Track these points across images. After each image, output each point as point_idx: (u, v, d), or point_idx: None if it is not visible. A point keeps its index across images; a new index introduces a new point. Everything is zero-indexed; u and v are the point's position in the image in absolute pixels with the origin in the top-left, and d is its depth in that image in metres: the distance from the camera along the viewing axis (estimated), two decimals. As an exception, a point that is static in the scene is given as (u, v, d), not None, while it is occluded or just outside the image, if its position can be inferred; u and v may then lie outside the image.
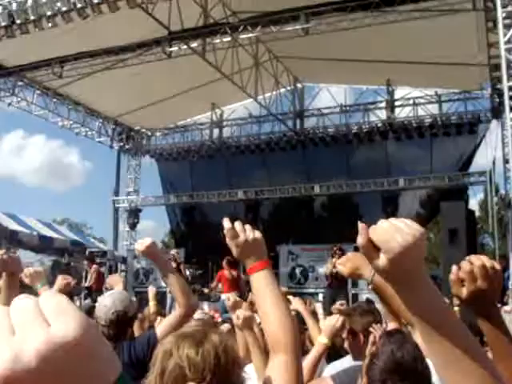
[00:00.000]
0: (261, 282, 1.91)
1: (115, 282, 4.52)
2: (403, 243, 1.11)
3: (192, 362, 1.68)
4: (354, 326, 3.68)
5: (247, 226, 1.98)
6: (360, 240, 1.18)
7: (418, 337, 1.97)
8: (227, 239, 1.95)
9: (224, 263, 14.04)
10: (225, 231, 1.95)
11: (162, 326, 3.41)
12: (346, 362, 3.55)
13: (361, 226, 1.18)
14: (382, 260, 1.14)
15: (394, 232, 1.13)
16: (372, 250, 1.16)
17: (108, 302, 3.44)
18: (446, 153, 19.38)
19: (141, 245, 3.39)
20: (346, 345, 3.74)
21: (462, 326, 1.17)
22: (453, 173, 18.96)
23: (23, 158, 75.53)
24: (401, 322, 4.51)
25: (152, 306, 6.25)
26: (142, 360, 3.13)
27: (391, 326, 4.33)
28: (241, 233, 1.95)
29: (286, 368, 1.80)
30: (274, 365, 1.83)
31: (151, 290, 6.43)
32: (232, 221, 1.96)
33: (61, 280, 4.24)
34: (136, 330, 4.48)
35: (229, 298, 4.43)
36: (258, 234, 1.98)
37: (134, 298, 4.02)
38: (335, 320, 3.77)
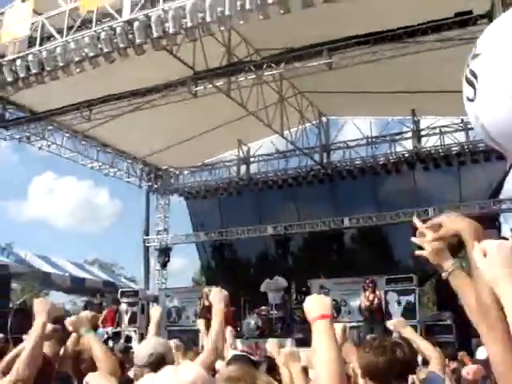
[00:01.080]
0: (320, 329, 1.99)
1: (154, 314, 4.64)
2: (499, 244, 1.52)
3: None
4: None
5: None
6: (475, 250, 1.53)
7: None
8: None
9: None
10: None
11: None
12: None
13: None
14: (486, 259, 1.46)
15: (494, 242, 1.51)
16: (481, 256, 1.49)
17: (148, 344, 3.52)
18: (475, 180, 19.22)
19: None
20: None
21: None
22: (483, 200, 18.77)
23: (54, 200, 76.43)
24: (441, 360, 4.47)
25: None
26: None
27: (433, 363, 4.27)
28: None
29: None
30: None
31: (176, 346, 6.38)
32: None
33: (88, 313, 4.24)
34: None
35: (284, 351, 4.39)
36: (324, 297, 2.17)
37: (172, 345, 4.10)
38: None
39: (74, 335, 4.11)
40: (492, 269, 1.37)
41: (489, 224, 17.68)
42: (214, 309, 3.80)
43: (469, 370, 4.07)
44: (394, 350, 3.65)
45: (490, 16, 12.05)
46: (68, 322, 3.77)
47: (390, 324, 4.52)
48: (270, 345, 4.46)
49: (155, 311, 4.97)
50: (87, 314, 4.13)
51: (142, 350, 3.47)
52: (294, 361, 3.99)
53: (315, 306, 1.99)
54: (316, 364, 1.95)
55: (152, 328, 4.64)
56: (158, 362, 3.36)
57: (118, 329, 16.62)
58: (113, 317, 16.90)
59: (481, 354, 7.25)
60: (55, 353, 3.98)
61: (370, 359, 3.37)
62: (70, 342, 4.29)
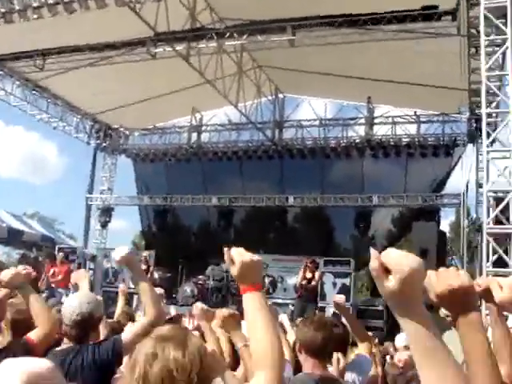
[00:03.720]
0: (252, 302, 1.96)
1: (80, 278, 4.42)
2: (412, 265, 1.32)
3: (179, 363, 1.68)
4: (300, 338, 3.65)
5: (242, 251, 2.04)
6: (372, 263, 1.36)
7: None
8: (227, 259, 2.03)
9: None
10: (225, 252, 2.04)
11: (128, 332, 3.39)
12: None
13: (373, 251, 1.38)
14: (392, 281, 1.32)
15: (404, 257, 1.34)
16: (382, 272, 1.34)
17: (74, 303, 3.42)
18: (421, 173, 19.58)
19: (117, 254, 3.41)
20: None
21: (450, 355, 1.33)
22: (426, 193, 19.17)
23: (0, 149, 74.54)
24: (371, 344, 4.56)
25: (120, 306, 6.19)
26: (105, 364, 3.13)
27: (362, 346, 4.35)
28: (244, 254, 2.00)
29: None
30: (259, 381, 1.84)
31: (122, 290, 6.37)
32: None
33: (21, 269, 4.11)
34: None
35: (197, 306, 4.40)
36: (258, 258, 2.04)
37: (101, 298, 3.94)
38: None
39: (6, 290, 4.00)
40: (397, 296, 1.34)
41: (429, 217, 18.09)
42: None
43: (400, 358, 4.16)
44: (332, 327, 3.74)
45: (454, 13, 12.24)
46: (3, 275, 3.65)
47: (335, 298, 4.60)
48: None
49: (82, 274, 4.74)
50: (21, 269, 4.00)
51: (68, 309, 3.40)
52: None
53: (246, 275, 1.97)
54: (252, 337, 1.95)
55: (85, 285, 4.45)
56: (84, 321, 3.32)
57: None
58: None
59: (399, 340, 7.44)
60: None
61: (310, 334, 3.42)
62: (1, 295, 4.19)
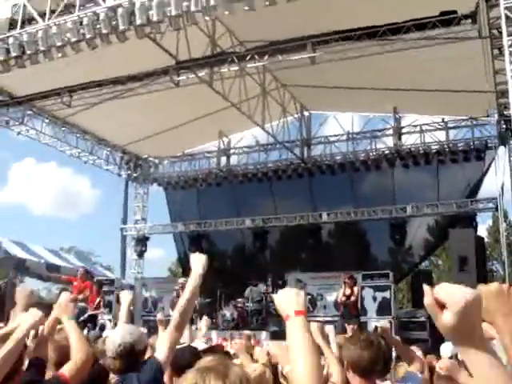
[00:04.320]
0: (295, 326, 1.96)
1: (124, 297, 4.42)
2: (466, 298, 1.31)
3: None
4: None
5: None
6: (427, 299, 1.36)
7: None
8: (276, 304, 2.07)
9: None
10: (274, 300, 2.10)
11: (160, 350, 3.37)
12: None
13: (426, 288, 1.37)
14: (447, 315, 1.31)
15: (457, 289, 1.33)
16: (437, 307, 1.34)
17: (116, 335, 3.45)
18: (453, 179, 19.37)
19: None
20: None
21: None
22: (460, 199, 18.92)
23: (33, 186, 75.80)
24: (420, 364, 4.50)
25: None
26: None
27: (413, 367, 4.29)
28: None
29: None
30: None
31: (160, 320, 6.38)
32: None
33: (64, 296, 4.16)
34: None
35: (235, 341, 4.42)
36: (298, 291, 2.07)
37: (144, 330, 3.93)
38: None
39: (50, 320, 4.04)
40: (455, 330, 1.32)
41: (465, 223, 17.85)
42: (192, 272, 3.68)
43: (441, 365, 4.07)
44: (379, 345, 3.69)
45: (474, 16, 12.14)
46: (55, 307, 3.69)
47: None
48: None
49: (125, 296, 4.68)
50: (67, 297, 4.03)
51: (111, 341, 3.42)
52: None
53: (288, 302, 1.97)
54: (293, 361, 1.94)
55: (123, 314, 4.44)
56: (126, 353, 3.33)
57: (96, 312, 16.38)
58: (95, 296, 16.44)
59: (444, 350, 7.30)
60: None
61: (357, 353, 3.39)
62: (46, 327, 4.23)
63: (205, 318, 7.76)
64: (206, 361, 1.85)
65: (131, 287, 20.30)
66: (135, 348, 3.37)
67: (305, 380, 1.85)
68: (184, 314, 3.39)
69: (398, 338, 4.90)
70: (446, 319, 1.31)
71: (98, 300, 15.94)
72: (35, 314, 3.26)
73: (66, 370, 3.39)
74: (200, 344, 5.13)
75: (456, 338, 1.32)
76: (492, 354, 1.32)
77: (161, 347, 3.36)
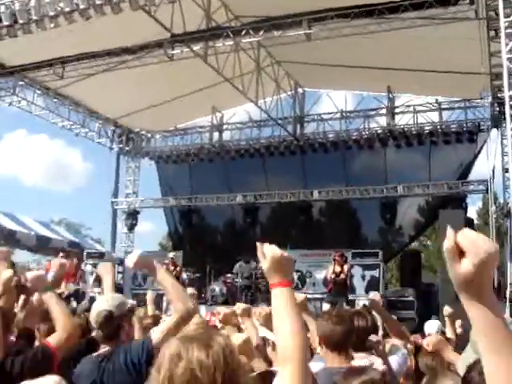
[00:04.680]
0: (280, 298, 1.96)
1: (105, 272, 4.35)
2: (489, 249, 1.24)
3: (203, 364, 1.69)
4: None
5: (274, 247, 2.04)
6: (447, 243, 1.27)
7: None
8: (259, 254, 2.03)
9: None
10: (258, 247, 2.04)
11: (157, 331, 3.36)
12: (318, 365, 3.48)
13: (449, 230, 1.29)
14: (466, 264, 1.24)
15: (481, 240, 1.25)
16: (456, 253, 1.26)
17: (95, 306, 3.47)
18: (445, 161, 19.41)
19: (130, 261, 3.42)
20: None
21: None
22: (452, 181, 18.98)
23: (25, 158, 75.38)
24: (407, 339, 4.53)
25: (149, 310, 6.21)
26: (136, 365, 3.12)
27: (395, 341, 4.31)
28: (275, 250, 2.01)
29: (294, 378, 1.82)
30: (284, 376, 1.85)
31: (150, 294, 6.39)
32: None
33: (57, 263, 4.11)
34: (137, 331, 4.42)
35: (218, 311, 4.42)
36: (290, 255, 2.05)
37: (123, 297, 3.85)
38: None
39: (37, 296, 4.04)
40: (471, 281, 1.26)
41: (456, 204, 17.93)
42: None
43: (428, 342, 4.11)
44: (352, 319, 3.72)
45: (471, -3, 12.08)
46: (29, 278, 3.67)
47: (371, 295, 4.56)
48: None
49: (106, 268, 4.39)
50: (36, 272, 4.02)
51: (92, 312, 3.43)
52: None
53: (276, 270, 1.97)
54: (277, 333, 1.96)
55: (108, 286, 4.31)
56: (105, 320, 3.33)
57: (80, 286, 16.46)
58: (74, 272, 16.63)
59: (428, 328, 7.36)
60: (11, 305, 3.92)
61: (328, 328, 3.41)
62: (35, 299, 4.23)
63: (189, 289, 7.72)
64: (190, 330, 1.85)
65: (121, 261, 20.33)
66: (113, 315, 3.35)
67: (288, 347, 1.86)
68: (173, 298, 3.37)
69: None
70: (464, 268, 1.25)
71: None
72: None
73: (52, 340, 3.40)
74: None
75: (468, 288, 1.26)
76: (500, 311, 1.28)
77: (157, 330, 3.36)
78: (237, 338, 3.62)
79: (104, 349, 3.36)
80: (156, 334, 3.29)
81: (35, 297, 4.16)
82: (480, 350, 1.29)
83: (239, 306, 4.44)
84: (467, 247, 1.25)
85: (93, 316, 3.39)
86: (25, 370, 3.10)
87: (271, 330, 3.72)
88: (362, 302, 13.54)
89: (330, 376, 3.10)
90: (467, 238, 1.26)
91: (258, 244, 2.06)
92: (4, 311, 3.52)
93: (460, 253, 1.26)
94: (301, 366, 1.85)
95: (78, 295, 14.85)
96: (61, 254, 15.55)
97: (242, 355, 3.49)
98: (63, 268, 4.14)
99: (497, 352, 1.24)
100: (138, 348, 3.21)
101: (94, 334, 3.70)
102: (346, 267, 14.53)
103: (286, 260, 2.01)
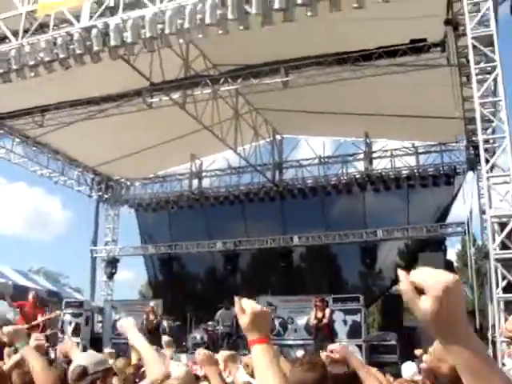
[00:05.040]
0: (262, 355, 1.95)
1: (70, 349, 4.29)
2: (446, 281, 1.19)
3: None
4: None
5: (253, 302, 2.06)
6: (403, 285, 1.24)
7: None
8: (238, 309, 2.03)
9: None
10: (236, 302, 2.05)
11: None
12: None
13: (401, 272, 1.25)
14: (427, 301, 1.20)
15: (436, 274, 1.22)
16: (415, 294, 1.22)
17: (75, 358, 3.46)
18: (423, 204, 19.59)
19: (121, 324, 3.48)
20: None
21: (504, 377, 1.22)
22: (430, 224, 19.13)
23: (3, 206, 74.76)
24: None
25: (133, 358, 6.11)
26: None
27: None
28: (253, 305, 2.02)
29: None
30: None
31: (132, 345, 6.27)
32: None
33: (34, 340, 4.07)
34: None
35: (199, 352, 4.36)
36: (267, 310, 2.07)
37: (100, 355, 3.77)
38: None
39: (8, 349, 3.98)
40: (435, 315, 1.21)
41: (435, 247, 18.04)
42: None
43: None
44: (324, 366, 3.67)
45: (443, 45, 12.42)
46: (5, 332, 3.63)
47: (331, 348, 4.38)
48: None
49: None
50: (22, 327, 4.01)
51: (72, 365, 3.42)
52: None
53: (255, 325, 1.98)
54: None
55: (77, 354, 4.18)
56: (78, 377, 3.31)
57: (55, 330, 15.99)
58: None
59: (405, 370, 7.37)
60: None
61: (299, 375, 3.37)
62: (6, 356, 4.17)
63: (165, 337, 7.58)
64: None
65: (100, 310, 20.08)
66: (87, 371, 3.33)
67: None
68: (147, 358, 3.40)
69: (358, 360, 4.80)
70: (425, 305, 1.20)
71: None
72: None
73: None
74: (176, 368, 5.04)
75: (438, 327, 1.21)
76: (480, 346, 1.22)
77: None
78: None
79: None
80: None
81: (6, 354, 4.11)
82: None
83: (200, 353, 4.35)
84: (424, 284, 1.21)
85: (70, 369, 3.37)
86: None
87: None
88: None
89: None
90: (421, 274, 1.23)
91: (236, 299, 2.07)
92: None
93: (419, 292, 1.22)
94: None
95: (56, 339, 14.55)
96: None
97: None
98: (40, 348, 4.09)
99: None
100: None
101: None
102: (327, 312, 14.46)
103: (264, 315, 2.02)
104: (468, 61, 10.79)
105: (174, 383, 3.44)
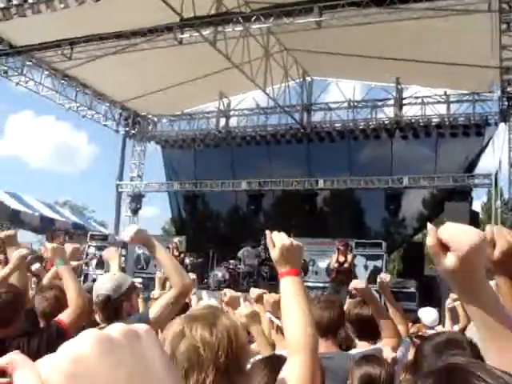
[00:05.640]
0: (290, 287, 1.97)
1: (111, 257, 4.36)
2: (472, 241, 1.23)
3: (207, 342, 1.69)
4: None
5: (284, 235, 2.05)
6: (430, 240, 1.26)
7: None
8: (269, 242, 2.03)
9: None
10: (267, 235, 2.04)
11: (155, 305, 3.36)
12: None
13: (430, 226, 1.29)
14: (451, 258, 1.24)
15: (463, 232, 1.25)
16: (440, 249, 1.25)
17: (95, 286, 3.47)
18: (451, 153, 19.33)
19: (127, 234, 3.39)
20: None
21: None
22: (458, 174, 18.92)
23: (31, 139, 75.51)
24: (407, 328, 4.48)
25: (156, 293, 6.16)
26: None
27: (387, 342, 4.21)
28: (284, 238, 2.02)
29: (305, 367, 1.83)
30: (294, 364, 1.84)
31: (159, 278, 6.32)
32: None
33: (71, 247, 4.30)
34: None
35: (225, 293, 4.39)
36: (299, 244, 2.06)
37: (124, 278, 3.77)
38: None
39: (54, 270, 4.04)
40: (457, 274, 1.26)
41: (461, 198, 17.88)
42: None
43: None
44: (341, 306, 3.70)
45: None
46: (46, 249, 3.68)
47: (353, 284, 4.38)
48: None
49: (112, 253, 4.42)
50: (69, 246, 4.07)
51: (93, 292, 3.43)
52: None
53: (285, 259, 1.96)
54: (287, 322, 1.95)
55: (114, 270, 4.29)
56: (103, 303, 3.33)
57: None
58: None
59: (426, 316, 7.37)
60: (24, 284, 3.94)
61: (316, 313, 3.40)
62: (48, 276, 4.24)
63: (192, 275, 7.65)
64: (196, 309, 1.85)
65: (124, 244, 20.37)
66: (111, 298, 3.35)
67: (298, 336, 1.86)
68: (170, 273, 3.36)
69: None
70: (449, 262, 1.24)
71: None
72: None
73: (64, 317, 3.40)
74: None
75: (458, 282, 1.27)
76: (495, 298, 1.28)
77: (155, 305, 3.36)
78: (240, 314, 3.63)
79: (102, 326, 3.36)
80: (154, 308, 3.29)
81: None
82: (480, 340, 1.31)
83: (253, 292, 4.40)
84: (450, 242, 1.24)
85: (94, 297, 3.39)
86: (41, 350, 3.10)
87: (277, 317, 3.72)
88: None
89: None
90: (449, 232, 1.26)
91: (267, 232, 2.05)
92: (18, 291, 3.54)
93: (445, 248, 1.25)
94: (311, 355, 1.85)
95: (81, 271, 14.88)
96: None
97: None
98: (76, 252, 4.19)
99: (497, 345, 1.24)
100: (134, 323, 3.20)
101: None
102: (349, 257, 14.52)
103: (295, 249, 2.00)
104: (510, 7, 10.44)
105: (242, 320, 3.49)
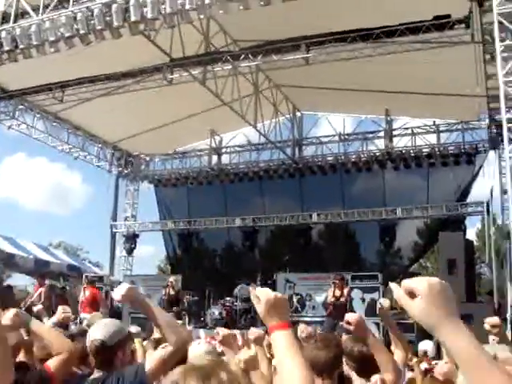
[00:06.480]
0: (282, 341, 1.94)
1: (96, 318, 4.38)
2: (430, 281, 1.39)
3: None
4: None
5: (268, 290, 2.04)
6: (396, 294, 1.43)
7: None
8: (253, 299, 2.02)
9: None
10: (251, 293, 2.03)
11: (151, 360, 3.32)
12: None
13: (392, 284, 1.48)
14: (418, 300, 1.37)
15: (422, 279, 1.41)
16: (408, 297, 1.40)
17: (91, 330, 3.44)
18: (443, 183, 19.42)
19: (117, 294, 3.33)
20: None
21: (496, 366, 1.32)
22: (450, 203, 18.98)
23: (24, 181, 75.47)
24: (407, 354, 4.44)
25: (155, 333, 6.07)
26: None
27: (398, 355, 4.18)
28: (268, 292, 2.00)
29: None
30: None
31: (152, 340, 6.22)
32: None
33: (61, 313, 4.37)
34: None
35: (218, 332, 4.30)
36: (283, 296, 2.04)
37: (121, 325, 3.70)
38: None
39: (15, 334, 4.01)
40: (427, 312, 1.37)
41: (455, 226, 17.92)
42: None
43: (440, 371, 4.05)
44: (339, 345, 3.65)
45: (467, 21, 12.20)
46: (9, 318, 3.60)
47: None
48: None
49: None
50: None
51: (89, 335, 3.41)
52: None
53: (271, 313, 1.96)
54: (281, 374, 1.94)
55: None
56: (97, 349, 3.31)
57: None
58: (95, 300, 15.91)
59: (422, 346, 7.37)
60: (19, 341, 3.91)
61: (312, 353, 3.37)
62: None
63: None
64: (199, 356, 1.84)
65: (119, 284, 20.27)
66: (105, 344, 3.32)
67: None
68: (165, 331, 3.29)
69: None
70: (417, 304, 1.36)
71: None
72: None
73: (51, 363, 3.39)
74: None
75: (429, 321, 1.36)
76: (469, 334, 1.34)
77: (151, 358, 3.33)
78: (238, 361, 3.60)
79: (98, 373, 3.34)
80: (150, 362, 3.26)
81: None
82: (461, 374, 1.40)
83: (252, 333, 4.29)
84: (413, 287, 1.39)
85: (88, 342, 3.37)
86: None
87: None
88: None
89: None
90: (410, 282, 1.40)
91: (250, 288, 2.06)
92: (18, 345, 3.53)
93: (411, 297, 1.39)
94: None
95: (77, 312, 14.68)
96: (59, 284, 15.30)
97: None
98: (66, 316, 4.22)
99: (473, 377, 1.30)
100: (131, 374, 3.17)
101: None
102: (345, 290, 14.42)
103: (280, 301, 1.99)
104: (493, 38, 10.60)
105: (241, 365, 3.45)
